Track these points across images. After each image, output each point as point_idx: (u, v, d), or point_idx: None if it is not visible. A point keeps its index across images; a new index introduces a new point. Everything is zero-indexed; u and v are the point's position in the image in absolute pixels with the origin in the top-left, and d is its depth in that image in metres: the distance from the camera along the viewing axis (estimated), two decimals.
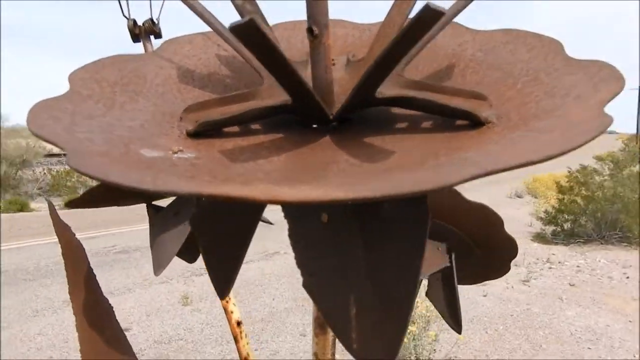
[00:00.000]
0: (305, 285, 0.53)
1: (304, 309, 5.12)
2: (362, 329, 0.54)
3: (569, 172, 10.37)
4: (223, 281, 0.67)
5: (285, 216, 0.53)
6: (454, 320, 1.02)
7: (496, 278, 1.09)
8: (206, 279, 6.22)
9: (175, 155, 0.43)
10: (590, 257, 7.90)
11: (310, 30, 0.49)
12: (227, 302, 1.22)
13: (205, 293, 5.62)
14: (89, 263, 0.65)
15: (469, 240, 0.99)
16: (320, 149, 0.46)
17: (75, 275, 0.64)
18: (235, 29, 0.37)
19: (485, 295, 5.71)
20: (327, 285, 0.53)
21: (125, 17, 1.23)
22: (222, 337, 4.40)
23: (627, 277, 6.61)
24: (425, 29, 0.38)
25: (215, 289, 0.67)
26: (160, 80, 0.59)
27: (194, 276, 6.31)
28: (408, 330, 3.98)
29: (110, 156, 0.39)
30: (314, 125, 0.53)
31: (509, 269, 1.03)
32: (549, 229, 9.87)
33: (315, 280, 0.53)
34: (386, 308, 0.55)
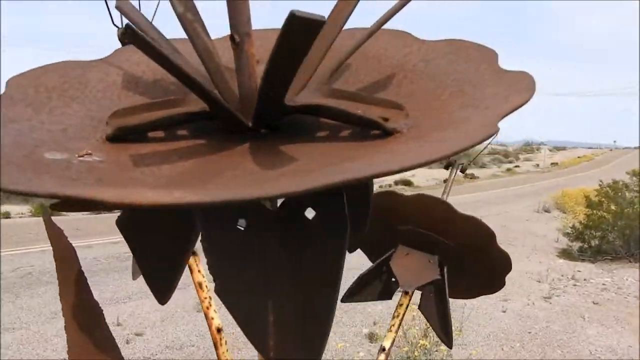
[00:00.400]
0: (218, 290, 0.53)
1: None
2: (281, 335, 0.54)
3: (600, 186, 10.12)
4: (159, 286, 0.67)
5: (199, 220, 0.53)
6: (445, 333, 1.00)
7: (491, 293, 1.07)
8: None
9: (80, 158, 0.44)
10: (618, 275, 7.67)
11: (232, 38, 0.49)
12: (207, 308, 1.23)
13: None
14: (80, 266, 0.65)
15: (461, 253, 0.97)
16: (230, 156, 0.47)
17: (66, 277, 0.65)
18: (126, 37, 0.37)
19: (504, 311, 5.59)
20: (243, 292, 0.53)
21: (115, 25, 1.26)
22: (233, 345, 4.41)
23: None
24: (302, 38, 0.38)
25: (153, 294, 0.67)
26: (102, 87, 0.60)
27: (211, 283, 6.32)
28: (420, 344, 3.93)
29: (8, 158, 0.40)
30: (247, 132, 0.54)
31: (504, 284, 1.01)
32: (576, 245, 9.64)
33: (229, 286, 0.53)
34: (307, 315, 0.55)
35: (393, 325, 1.01)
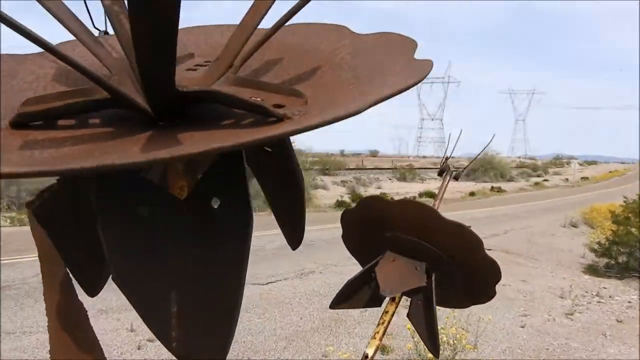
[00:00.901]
0: (117, 278, 0.53)
1: (330, 329, 5.06)
2: (184, 328, 0.53)
3: (625, 201, 9.83)
4: (87, 279, 0.67)
5: (96, 207, 0.53)
6: (432, 342, 0.98)
7: (483, 303, 1.04)
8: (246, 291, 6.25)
9: None
10: None
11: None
12: None
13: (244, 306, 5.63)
14: (65, 267, 0.66)
15: (448, 260, 0.95)
16: (124, 143, 0.47)
17: (50, 277, 0.65)
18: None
19: (523, 327, 5.45)
20: (145, 279, 0.53)
21: (97, 29, 1.28)
22: (243, 354, 4.41)
23: None
24: (153, 15, 0.37)
25: (82, 288, 0.67)
26: (32, 79, 0.61)
27: None
28: (430, 357, 3.84)
29: None
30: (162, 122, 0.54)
31: (495, 293, 0.98)
32: (603, 261, 9.36)
33: (129, 274, 0.53)
34: (211, 307, 0.54)
35: (377, 332, 0.99)
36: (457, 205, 22.47)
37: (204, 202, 0.52)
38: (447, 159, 1.21)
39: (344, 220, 1.02)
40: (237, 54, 0.55)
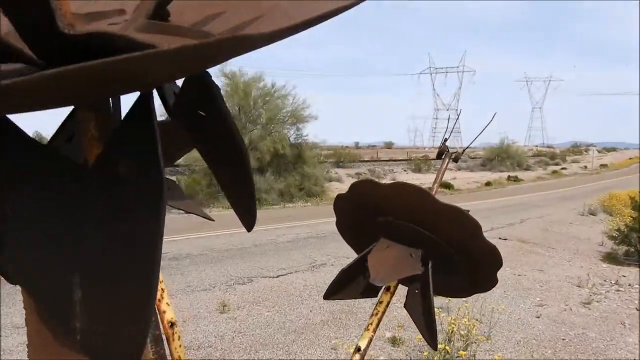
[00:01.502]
0: (6, 261, 0.45)
1: (340, 322, 4.99)
2: (90, 315, 0.46)
3: None
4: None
5: None
6: (429, 332, 0.93)
7: (484, 292, 0.99)
8: (248, 287, 6.24)
9: None
10: None
11: None
12: (159, 300, 1.17)
13: (245, 302, 5.61)
14: None
15: (445, 246, 0.90)
16: None
17: None
18: None
19: (538, 317, 5.33)
20: (44, 260, 0.45)
21: None
22: (251, 347, 4.36)
23: None
24: None
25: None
26: None
27: (237, 284, 6.34)
28: (441, 348, 3.76)
29: None
30: None
31: (496, 281, 0.92)
32: (622, 248, 9.17)
33: (27, 258, 0.45)
34: (121, 293, 0.47)
35: (371, 324, 0.93)
36: (472, 195, 22.29)
37: (111, 170, 0.44)
38: (446, 140, 1.17)
39: (336, 206, 0.98)
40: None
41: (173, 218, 12.79)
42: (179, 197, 0.97)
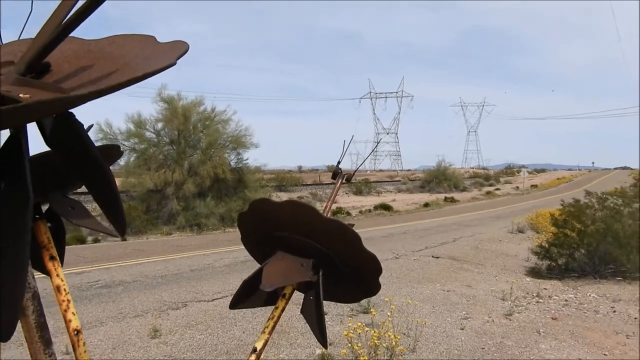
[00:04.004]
0: None
1: (272, 342, 5.04)
2: None
3: (562, 205, 10.27)
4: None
5: None
6: (320, 333, 1.03)
7: (370, 296, 1.10)
8: (181, 312, 6.18)
9: None
10: (582, 291, 7.72)
11: None
12: (65, 310, 1.24)
13: (177, 326, 5.57)
14: None
15: (330, 255, 1.01)
16: None
17: None
18: None
19: (462, 329, 5.59)
20: None
21: None
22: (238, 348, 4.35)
23: (614, 312, 6.45)
24: None
25: None
26: None
27: (170, 310, 6.27)
28: None
29: None
30: None
31: (379, 286, 1.04)
32: (545, 263, 9.70)
33: None
34: None
35: (267, 327, 1.03)
36: (411, 216, 22.82)
37: None
38: (339, 162, 1.29)
39: (239, 223, 1.07)
40: (30, 57, 0.60)
41: (109, 246, 12.41)
42: (84, 216, 1.07)
